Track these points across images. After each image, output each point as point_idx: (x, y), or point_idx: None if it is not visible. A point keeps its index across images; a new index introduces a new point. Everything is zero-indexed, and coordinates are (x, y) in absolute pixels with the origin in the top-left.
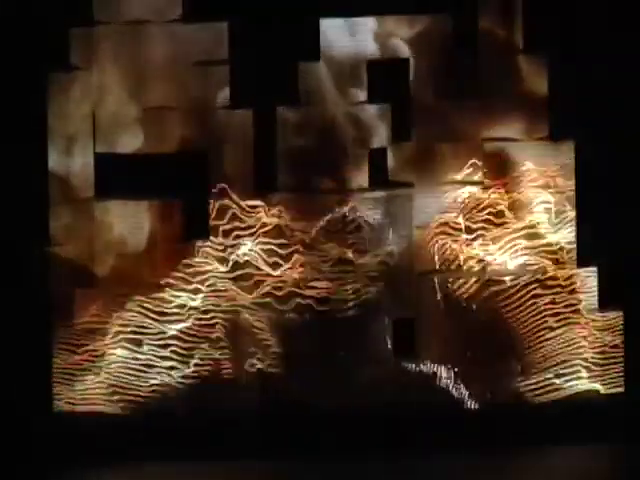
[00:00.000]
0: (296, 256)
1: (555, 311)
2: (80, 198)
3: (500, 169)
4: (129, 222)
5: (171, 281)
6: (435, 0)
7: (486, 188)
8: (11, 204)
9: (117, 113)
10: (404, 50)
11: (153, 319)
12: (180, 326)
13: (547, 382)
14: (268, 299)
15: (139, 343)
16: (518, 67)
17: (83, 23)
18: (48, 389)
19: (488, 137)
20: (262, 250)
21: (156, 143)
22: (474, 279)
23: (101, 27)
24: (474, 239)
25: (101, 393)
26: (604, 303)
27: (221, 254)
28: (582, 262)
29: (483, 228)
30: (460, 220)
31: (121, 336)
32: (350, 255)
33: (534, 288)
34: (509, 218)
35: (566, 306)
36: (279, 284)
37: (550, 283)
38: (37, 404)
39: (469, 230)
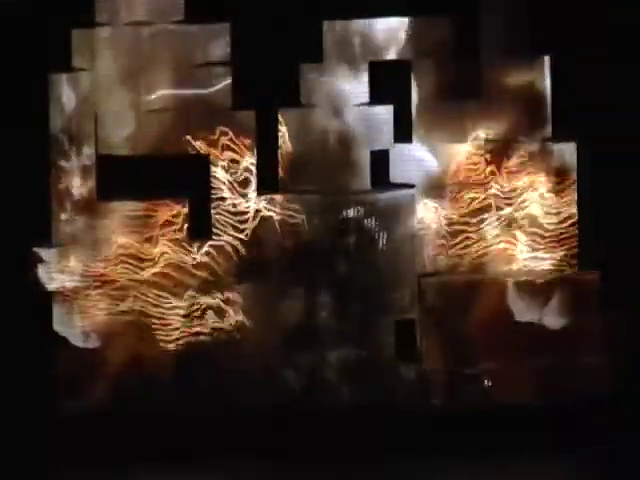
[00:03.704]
0: None
1: (557, 311)
2: (82, 199)
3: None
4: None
5: None
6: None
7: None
8: (12, 205)
9: (119, 114)
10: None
11: None
12: None
13: (546, 383)
14: None
15: None
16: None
17: (84, 25)
18: (51, 391)
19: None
20: None
21: (157, 144)
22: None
23: (102, 29)
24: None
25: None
26: (605, 305)
27: None
28: (584, 264)
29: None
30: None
31: None
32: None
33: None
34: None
35: (567, 307)
36: None
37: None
38: (40, 406)
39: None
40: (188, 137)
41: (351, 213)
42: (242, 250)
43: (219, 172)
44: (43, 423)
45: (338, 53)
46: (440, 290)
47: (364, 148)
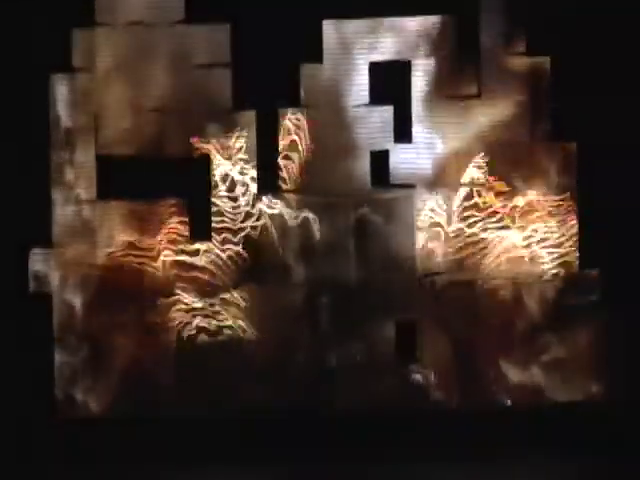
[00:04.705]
0: None
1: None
2: (82, 199)
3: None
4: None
5: None
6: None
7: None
8: (12, 205)
9: (118, 114)
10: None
11: None
12: None
13: (547, 384)
14: None
15: None
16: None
17: (84, 25)
18: (50, 392)
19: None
20: None
21: (157, 144)
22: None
23: (102, 28)
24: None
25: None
26: (605, 304)
27: None
28: (584, 264)
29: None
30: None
31: None
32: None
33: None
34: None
35: (567, 307)
36: None
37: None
38: (39, 407)
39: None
40: (188, 137)
41: (351, 214)
42: (244, 251)
43: (219, 172)
44: (41, 425)
45: (338, 53)
46: (440, 290)
47: (364, 148)
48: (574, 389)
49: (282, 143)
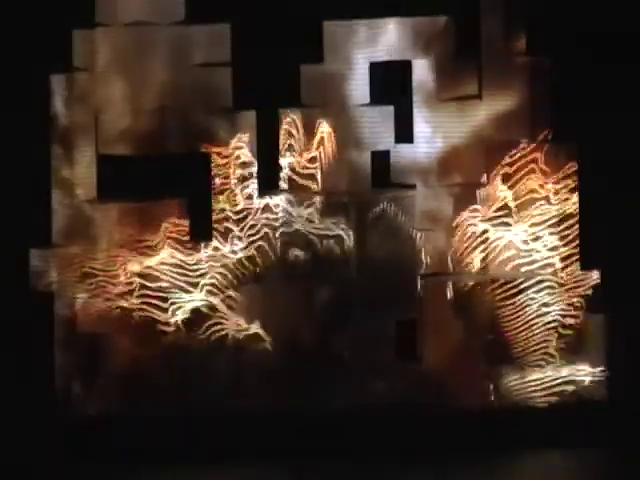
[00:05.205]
0: None
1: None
2: (82, 199)
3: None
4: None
5: None
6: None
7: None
8: (13, 205)
9: (119, 114)
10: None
11: None
12: None
13: (547, 383)
14: None
15: None
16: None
17: (84, 25)
18: (51, 389)
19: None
20: None
21: (157, 143)
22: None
23: (102, 29)
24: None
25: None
26: (605, 304)
27: None
28: (585, 265)
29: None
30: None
31: None
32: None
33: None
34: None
35: (568, 307)
36: None
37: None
38: (40, 404)
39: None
40: (189, 136)
41: (352, 213)
42: (245, 250)
43: (220, 171)
44: (41, 424)
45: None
46: (441, 290)
47: (365, 148)
48: (575, 388)
49: (282, 142)
